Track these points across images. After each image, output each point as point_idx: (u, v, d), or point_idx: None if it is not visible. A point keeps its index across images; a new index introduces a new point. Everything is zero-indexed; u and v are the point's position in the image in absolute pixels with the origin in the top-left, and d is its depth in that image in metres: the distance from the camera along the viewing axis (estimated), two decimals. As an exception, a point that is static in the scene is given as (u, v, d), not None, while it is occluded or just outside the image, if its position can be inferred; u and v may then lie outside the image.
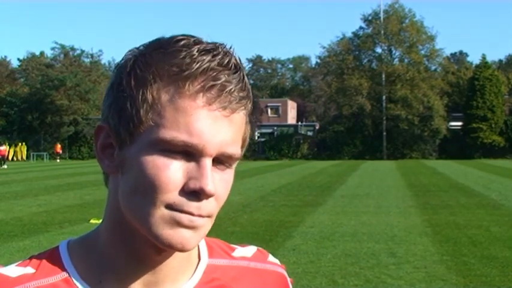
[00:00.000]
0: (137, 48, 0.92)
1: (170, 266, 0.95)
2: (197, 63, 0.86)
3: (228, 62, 0.88)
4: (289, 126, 73.85)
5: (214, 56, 0.88)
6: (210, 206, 0.89)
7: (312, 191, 21.43)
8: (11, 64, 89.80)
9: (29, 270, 0.95)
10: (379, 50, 70.17)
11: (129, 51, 0.93)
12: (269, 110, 79.47)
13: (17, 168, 44.00)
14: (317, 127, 73.31)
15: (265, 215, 14.42)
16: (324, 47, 72.05)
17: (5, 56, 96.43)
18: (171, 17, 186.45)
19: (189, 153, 0.86)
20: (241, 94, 0.89)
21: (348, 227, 12.66)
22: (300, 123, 76.59)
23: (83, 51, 77.62)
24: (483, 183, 25.01)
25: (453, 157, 61.71)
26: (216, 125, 0.87)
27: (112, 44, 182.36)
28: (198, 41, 0.89)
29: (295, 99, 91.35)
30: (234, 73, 0.89)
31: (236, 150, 0.90)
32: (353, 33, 70.94)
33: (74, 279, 0.94)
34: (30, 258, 0.97)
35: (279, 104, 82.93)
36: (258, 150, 65.71)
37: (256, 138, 60.45)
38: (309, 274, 8.31)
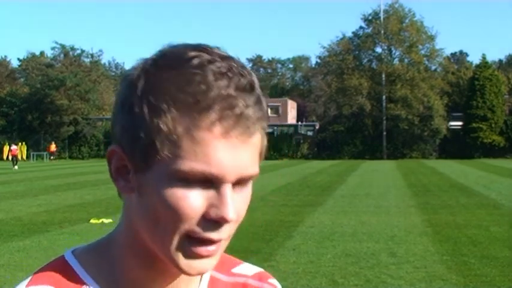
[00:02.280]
0: (145, 61, 0.88)
1: (184, 277, 0.94)
2: (213, 91, 0.82)
3: (244, 83, 0.84)
4: (289, 126, 73.86)
5: (230, 79, 0.83)
6: (230, 228, 0.88)
7: (312, 191, 21.43)
8: (11, 64, 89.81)
9: None
10: (379, 49, 70.26)
11: (138, 62, 0.89)
12: (269, 110, 78.35)
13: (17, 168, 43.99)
14: (317, 127, 73.28)
15: (265, 215, 14.41)
16: (324, 47, 72.11)
17: (5, 56, 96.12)
18: (171, 17, 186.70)
19: (208, 180, 0.84)
20: (257, 115, 0.86)
21: (348, 227, 12.66)
22: (300, 123, 76.60)
23: (83, 51, 77.65)
24: (483, 183, 25.01)
25: (453, 157, 61.71)
26: (234, 152, 0.84)
27: (112, 44, 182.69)
28: (212, 60, 0.84)
29: (295, 99, 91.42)
30: (250, 93, 0.85)
31: (255, 169, 0.88)
32: (353, 33, 71.05)
33: None
34: (38, 274, 0.93)
35: (279, 104, 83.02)
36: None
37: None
38: (309, 274, 8.31)
